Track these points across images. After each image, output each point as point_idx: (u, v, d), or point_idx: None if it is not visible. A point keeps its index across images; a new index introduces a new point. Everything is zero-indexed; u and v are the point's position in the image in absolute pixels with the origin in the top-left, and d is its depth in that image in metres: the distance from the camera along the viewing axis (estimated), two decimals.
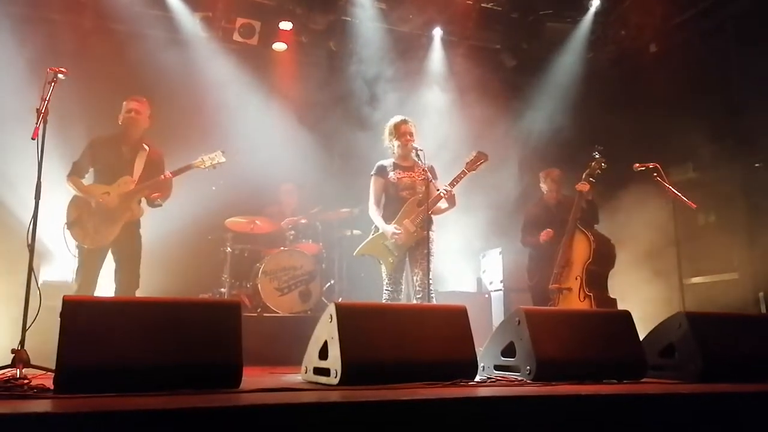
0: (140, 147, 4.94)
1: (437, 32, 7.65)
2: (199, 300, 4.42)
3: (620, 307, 5.13)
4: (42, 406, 2.08)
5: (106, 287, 4.99)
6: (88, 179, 4.95)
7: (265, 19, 7.20)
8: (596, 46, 7.60)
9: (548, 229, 5.59)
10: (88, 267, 4.74)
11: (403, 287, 4.86)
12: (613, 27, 7.48)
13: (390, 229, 4.77)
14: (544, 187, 5.93)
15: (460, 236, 7.01)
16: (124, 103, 4.99)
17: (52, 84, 3.60)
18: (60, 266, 5.77)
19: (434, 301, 4.71)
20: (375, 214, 4.91)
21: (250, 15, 7.15)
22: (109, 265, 4.91)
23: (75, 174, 4.85)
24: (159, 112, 6.58)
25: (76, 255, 4.74)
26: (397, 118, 5.01)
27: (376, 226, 4.94)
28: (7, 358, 3.03)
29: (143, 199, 4.93)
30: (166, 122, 6.44)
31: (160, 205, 4.99)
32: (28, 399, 2.28)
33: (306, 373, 3.11)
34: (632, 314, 3.50)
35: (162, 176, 4.89)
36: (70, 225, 4.70)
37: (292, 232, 6.60)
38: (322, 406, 2.07)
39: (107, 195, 4.78)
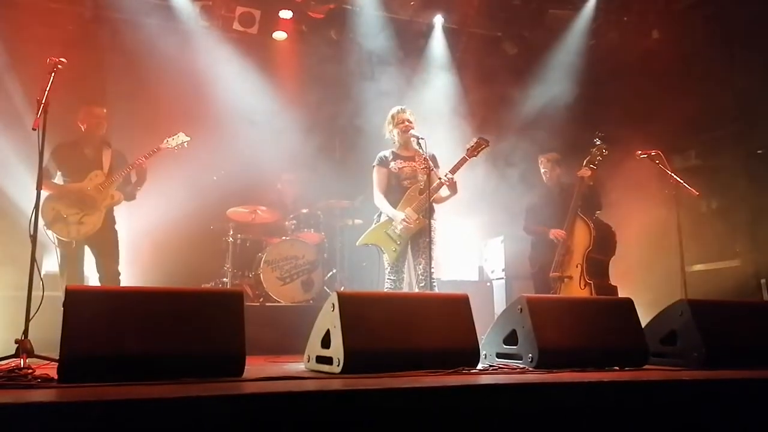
0: (104, 146, 5.12)
1: (438, 20, 7.60)
2: (201, 290, 4.43)
3: (621, 294, 5.14)
4: (46, 395, 2.08)
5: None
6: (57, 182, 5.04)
7: (265, 7, 7.17)
8: (598, 33, 7.56)
9: (561, 231, 5.44)
10: (72, 261, 4.89)
11: (405, 276, 4.85)
12: (615, 14, 7.43)
13: (400, 215, 4.76)
14: (543, 171, 5.92)
15: (461, 225, 7.01)
16: (88, 108, 5.11)
17: (52, 74, 3.59)
18: None
19: (436, 290, 4.71)
20: (382, 202, 4.88)
21: (249, 3, 7.11)
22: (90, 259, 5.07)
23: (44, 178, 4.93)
24: (158, 101, 6.61)
25: (58, 250, 4.87)
26: (395, 108, 5.01)
27: (378, 216, 4.94)
28: (11, 349, 3.05)
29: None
30: (164, 111, 6.44)
31: (134, 198, 5.18)
32: (32, 389, 2.28)
33: (309, 361, 3.12)
34: (634, 301, 3.50)
35: (137, 161, 5.03)
36: (51, 224, 4.79)
37: (294, 221, 6.61)
38: (324, 395, 2.08)
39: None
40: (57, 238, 4.83)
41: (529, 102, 7.49)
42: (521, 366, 3.18)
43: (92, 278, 5.20)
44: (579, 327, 3.30)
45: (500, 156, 6.90)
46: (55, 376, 2.43)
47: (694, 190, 5.17)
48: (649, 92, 6.92)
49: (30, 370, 2.66)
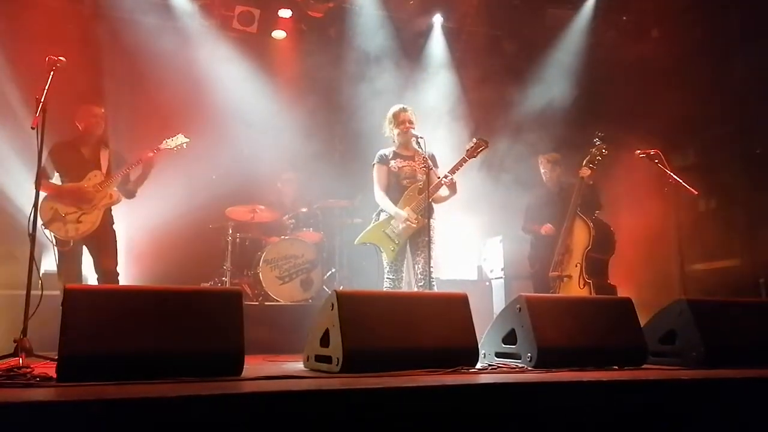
0: (101, 146, 5.08)
1: (437, 19, 7.60)
2: (200, 289, 4.41)
3: (620, 293, 5.14)
4: (45, 394, 2.08)
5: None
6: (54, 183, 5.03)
7: (264, 6, 7.16)
8: (597, 32, 7.56)
9: (549, 225, 5.59)
10: (70, 260, 4.86)
11: (404, 275, 4.85)
12: (615, 12, 7.44)
13: (403, 214, 4.75)
14: (543, 171, 5.93)
15: (461, 224, 7.01)
16: (86, 107, 5.09)
17: (51, 72, 3.58)
18: None
19: (435, 289, 4.70)
20: (384, 200, 4.86)
21: (249, 2, 7.11)
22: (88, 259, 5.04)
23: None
24: (156, 100, 6.60)
25: (55, 250, 4.83)
26: (395, 107, 4.99)
27: (376, 214, 4.93)
28: (10, 348, 3.05)
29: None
30: (163, 109, 6.44)
31: (134, 196, 5.14)
32: (31, 387, 2.28)
33: (308, 361, 3.12)
34: (633, 301, 3.50)
35: (145, 155, 5.00)
36: (48, 223, 4.77)
37: (293, 220, 6.61)
38: (323, 394, 2.08)
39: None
40: (54, 237, 4.82)
41: (528, 101, 7.49)
42: (520, 365, 3.18)
43: (90, 277, 5.20)
44: (578, 326, 3.30)
45: (500, 155, 6.90)
46: (54, 375, 2.43)
47: (693, 190, 5.17)
48: (649, 91, 6.92)
49: (29, 369, 2.66)
